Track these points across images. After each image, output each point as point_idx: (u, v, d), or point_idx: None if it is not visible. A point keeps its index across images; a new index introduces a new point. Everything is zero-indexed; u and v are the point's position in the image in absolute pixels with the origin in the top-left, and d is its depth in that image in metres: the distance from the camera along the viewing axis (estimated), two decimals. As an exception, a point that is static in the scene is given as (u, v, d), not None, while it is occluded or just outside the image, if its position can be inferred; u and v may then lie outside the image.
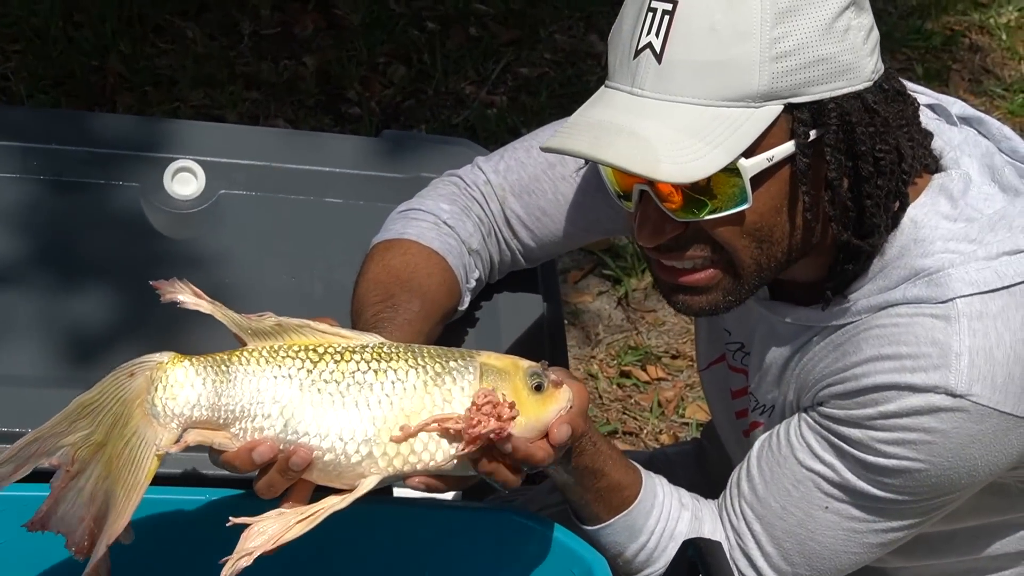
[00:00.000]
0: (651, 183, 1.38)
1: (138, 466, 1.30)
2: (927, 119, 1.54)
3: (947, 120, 1.57)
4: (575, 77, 3.50)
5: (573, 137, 1.40)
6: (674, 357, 2.86)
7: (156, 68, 3.24)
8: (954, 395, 1.40)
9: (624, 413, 2.63)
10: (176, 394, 1.31)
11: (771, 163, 1.37)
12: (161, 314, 1.55)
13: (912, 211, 1.46)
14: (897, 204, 1.45)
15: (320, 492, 1.35)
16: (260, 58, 3.37)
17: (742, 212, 1.39)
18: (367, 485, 1.32)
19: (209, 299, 1.32)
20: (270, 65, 3.36)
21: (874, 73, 1.40)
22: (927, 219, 1.45)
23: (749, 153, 1.36)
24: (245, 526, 1.31)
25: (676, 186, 1.38)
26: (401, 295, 1.59)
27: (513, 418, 1.32)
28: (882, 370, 1.43)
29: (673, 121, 1.35)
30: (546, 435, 1.35)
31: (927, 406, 1.41)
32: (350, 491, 1.33)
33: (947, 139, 1.53)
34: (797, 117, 1.36)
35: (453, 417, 1.32)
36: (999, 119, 3.60)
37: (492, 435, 1.31)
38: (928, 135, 1.50)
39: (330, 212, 1.82)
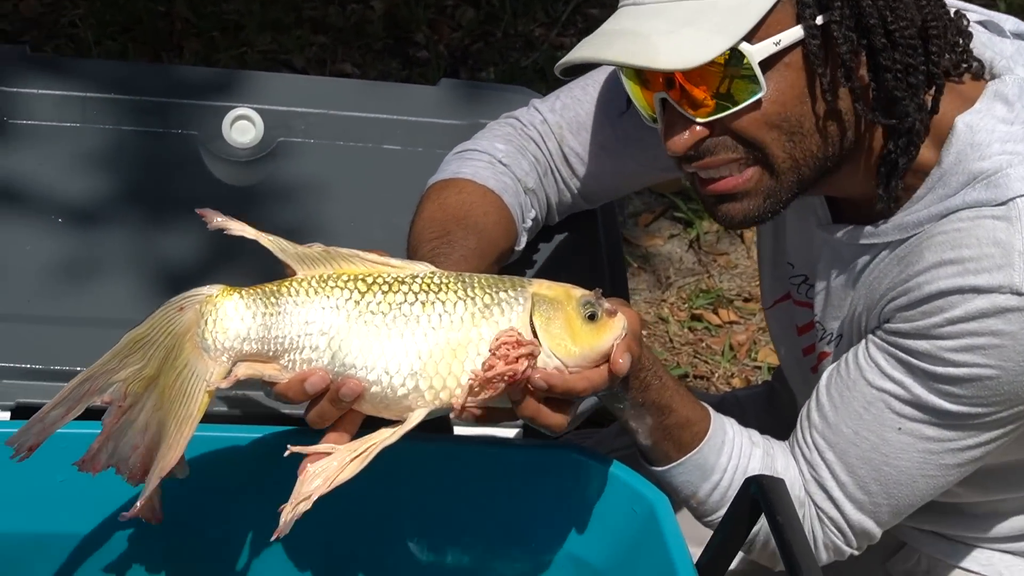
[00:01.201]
0: (669, 89, 1.41)
1: (190, 399, 1.32)
2: (978, 32, 1.54)
3: (999, 34, 1.57)
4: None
5: (580, 48, 1.43)
6: (746, 300, 2.86)
7: (223, 13, 3.26)
8: (1020, 294, 1.40)
9: (695, 357, 2.65)
10: (226, 327, 1.33)
11: (779, 47, 1.39)
12: (218, 257, 1.59)
13: (967, 117, 1.47)
14: (932, 90, 1.45)
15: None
16: (327, 2, 3.38)
17: (759, 101, 1.41)
18: (415, 418, 1.33)
19: (254, 227, 1.34)
20: (337, 9, 3.38)
21: None
22: (983, 123, 1.46)
23: (754, 39, 1.38)
24: (299, 461, 1.31)
25: (681, 86, 1.41)
26: (457, 231, 1.60)
27: (532, 358, 1.31)
28: (945, 275, 1.44)
29: (673, 17, 1.38)
30: (599, 364, 1.35)
31: (993, 307, 1.41)
32: (400, 423, 1.33)
33: (999, 50, 1.54)
34: (801, 0, 1.39)
35: (483, 364, 1.32)
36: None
37: (507, 379, 1.30)
38: (965, 31, 1.50)
39: (388, 159, 1.84)
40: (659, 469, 1.57)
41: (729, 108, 1.41)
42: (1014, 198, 1.42)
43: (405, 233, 1.65)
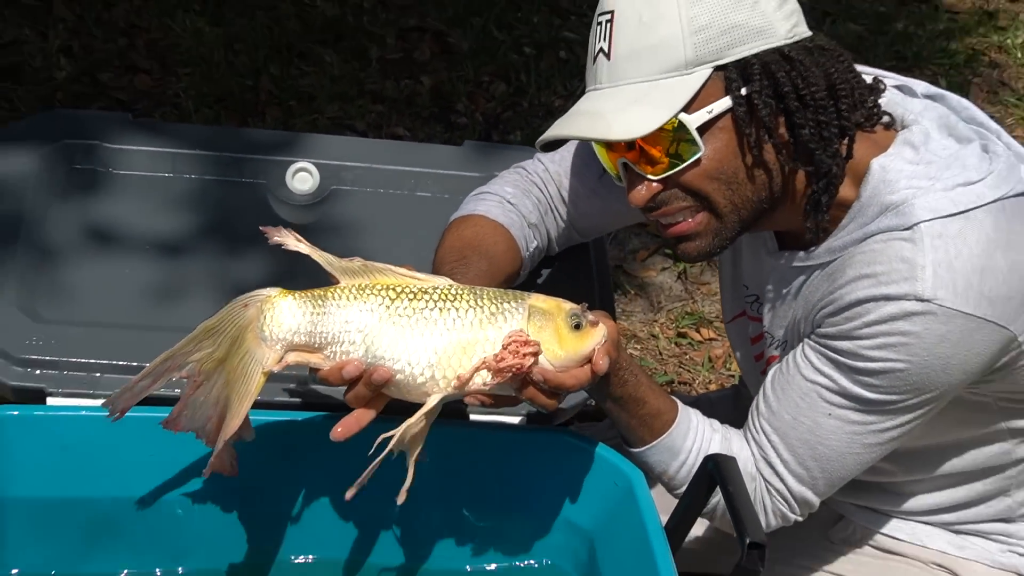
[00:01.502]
0: (628, 152, 1.47)
1: (250, 379, 1.38)
2: (893, 92, 1.58)
3: (911, 95, 1.61)
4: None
5: (554, 128, 1.49)
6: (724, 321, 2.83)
7: (299, 86, 3.30)
8: (922, 300, 1.43)
9: (680, 367, 2.68)
10: (281, 322, 1.38)
11: (712, 115, 1.44)
12: (276, 277, 1.63)
13: (880, 159, 1.51)
14: (845, 143, 1.49)
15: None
16: (385, 78, 3.42)
17: (699, 159, 1.46)
18: (432, 402, 1.36)
19: (308, 243, 1.38)
20: (393, 84, 3.42)
21: (790, 34, 1.46)
22: (893, 164, 1.50)
23: (691, 110, 1.43)
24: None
25: (638, 150, 1.46)
26: (472, 256, 1.63)
27: (535, 355, 1.35)
28: (862, 287, 1.47)
29: (623, 98, 1.44)
30: (583, 365, 1.39)
31: (901, 312, 1.44)
32: (420, 407, 1.36)
33: (909, 107, 1.57)
34: (728, 76, 1.44)
35: (491, 356, 1.35)
36: (1013, 124, 3.63)
37: (514, 370, 1.35)
38: (871, 87, 1.53)
39: (420, 204, 1.88)
40: (636, 451, 1.60)
41: (676, 166, 1.46)
42: (918, 223, 1.45)
43: (431, 260, 1.68)
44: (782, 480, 1.59)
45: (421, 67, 3.53)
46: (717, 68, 1.44)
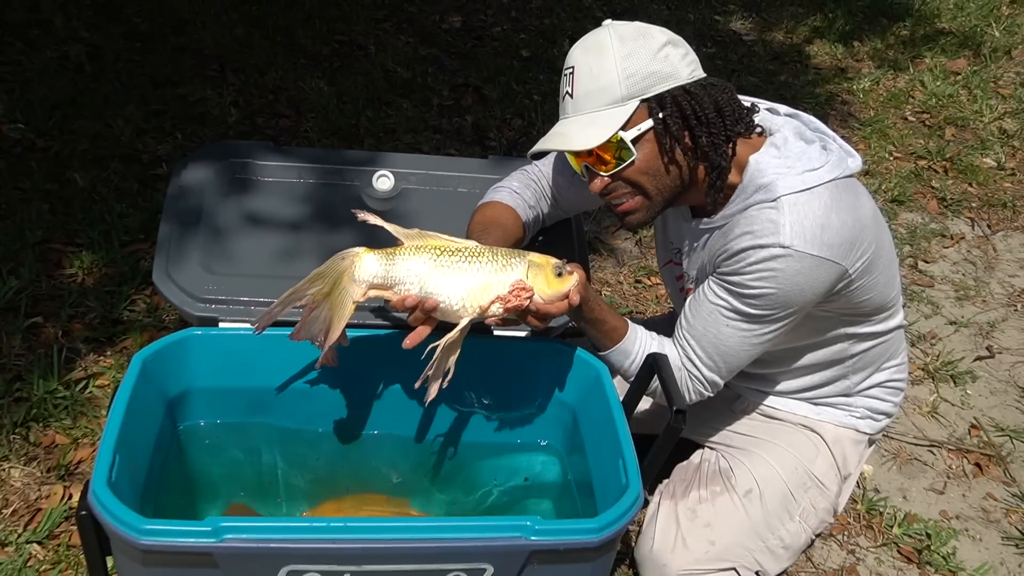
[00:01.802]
0: (587, 158, 1.46)
1: (345, 306, 1.39)
2: (763, 112, 1.57)
3: (775, 113, 1.61)
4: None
5: (539, 144, 1.50)
6: (659, 266, 2.80)
7: (386, 124, 3.26)
8: (783, 247, 1.44)
9: (637, 302, 2.64)
10: (365, 268, 1.38)
11: (640, 132, 1.45)
12: (364, 242, 1.64)
13: (755, 156, 1.50)
14: (730, 147, 1.49)
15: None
16: (441, 117, 3.39)
17: (634, 161, 1.46)
18: (463, 323, 1.38)
19: (383, 220, 1.39)
20: (447, 121, 3.38)
21: (691, 76, 1.47)
22: (763, 159, 1.50)
23: (626, 129, 1.44)
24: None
25: (594, 156, 1.45)
26: (491, 227, 1.64)
27: (530, 297, 1.36)
28: (745, 240, 1.48)
29: (581, 123, 1.45)
30: (563, 299, 1.41)
31: (770, 255, 1.45)
32: (455, 326, 1.38)
33: (774, 122, 1.57)
34: (649, 105, 1.45)
35: (502, 294, 1.36)
36: (857, 141, 3.60)
37: (517, 304, 1.36)
38: (749, 109, 1.53)
39: (460, 197, 1.87)
40: (602, 353, 1.61)
41: (619, 166, 1.46)
42: (780, 196, 1.46)
43: (465, 230, 1.69)
44: (698, 370, 1.59)
45: (466, 110, 3.48)
46: (642, 100, 1.45)
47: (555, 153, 1.75)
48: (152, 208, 2.65)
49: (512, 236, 1.67)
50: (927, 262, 3.00)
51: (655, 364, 1.52)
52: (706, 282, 1.57)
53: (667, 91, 1.45)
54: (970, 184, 3.44)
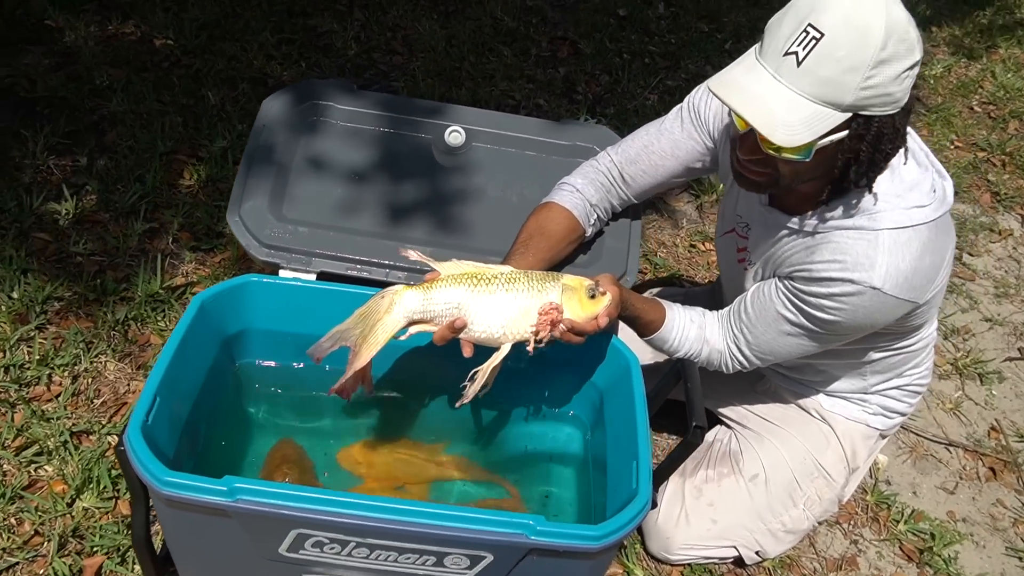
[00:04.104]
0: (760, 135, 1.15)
1: (376, 335, 1.19)
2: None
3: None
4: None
5: (731, 93, 1.10)
6: (716, 236, 2.51)
7: (486, 69, 2.96)
8: (874, 288, 1.21)
9: (689, 266, 2.34)
10: (405, 304, 1.19)
11: (830, 142, 1.12)
12: (436, 207, 1.44)
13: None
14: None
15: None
16: (537, 67, 3.07)
17: (800, 162, 1.13)
18: (504, 349, 1.20)
19: (421, 254, 1.20)
20: (542, 71, 3.06)
21: (908, 102, 1.14)
22: (880, 184, 1.22)
23: (823, 136, 1.11)
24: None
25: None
26: (536, 238, 1.41)
27: (559, 319, 1.17)
28: (834, 269, 1.23)
29: (792, 105, 1.08)
30: (595, 319, 1.20)
31: (857, 292, 1.22)
32: (497, 351, 1.20)
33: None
34: (857, 122, 1.11)
35: (534, 323, 1.18)
36: (922, 127, 3.10)
37: (550, 321, 1.17)
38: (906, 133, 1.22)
39: (526, 160, 1.61)
40: (644, 339, 1.42)
41: (782, 155, 1.14)
42: (881, 230, 1.20)
43: (528, 200, 1.48)
44: (744, 357, 1.40)
45: (560, 62, 3.14)
46: (856, 114, 1.10)
47: (639, 143, 1.47)
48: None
49: (563, 240, 1.43)
50: (972, 255, 2.57)
51: (683, 371, 1.28)
52: (777, 285, 1.33)
53: (881, 116, 1.12)
54: (1026, 180, 2.93)
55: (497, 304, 1.18)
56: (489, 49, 3.09)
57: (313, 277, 1.39)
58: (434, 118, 1.61)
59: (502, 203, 1.54)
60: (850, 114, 1.09)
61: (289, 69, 2.74)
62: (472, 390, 1.19)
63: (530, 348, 1.19)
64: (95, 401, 1.70)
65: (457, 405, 1.18)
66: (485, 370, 1.18)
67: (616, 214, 1.54)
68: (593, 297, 1.20)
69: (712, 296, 1.83)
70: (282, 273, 1.39)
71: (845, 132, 1.11)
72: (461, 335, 1.17)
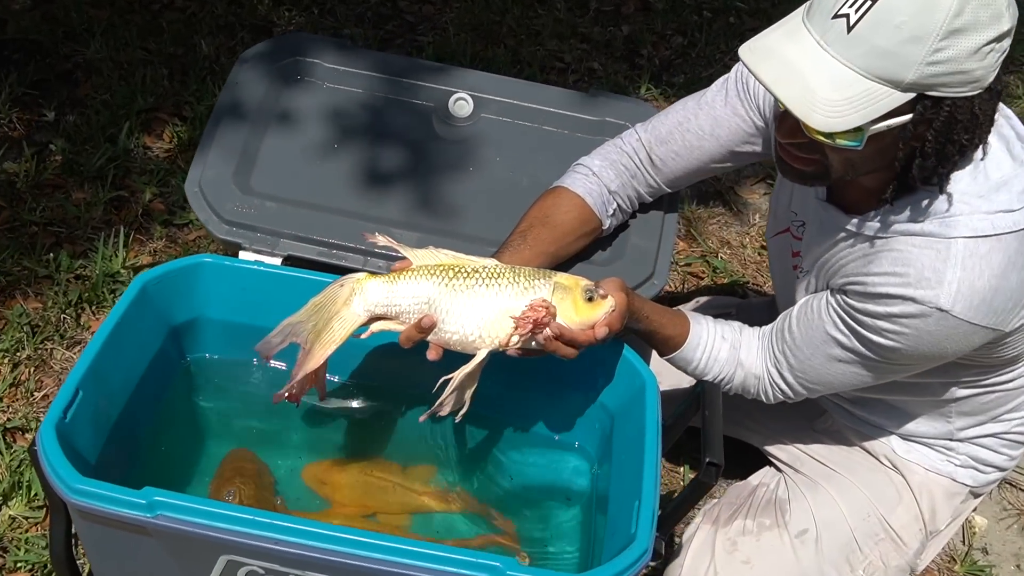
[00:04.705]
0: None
1: (333, 332, 1.21)
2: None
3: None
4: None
5: (764, 63, 1.07)
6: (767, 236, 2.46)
7: (532, 25, 2.93)
8: (941, 310, 1.15)
9: (756, 272, 2.30)
10: (367, 296, 1.19)
11: (887, 127, 1.07)
12: (431, 186, 1.47)
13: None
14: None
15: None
16: (594, 24, 3.05)
17: (851, 149, 1.09)
18: (481, 354, 1.19)
19: (391, 240, 1.21)
20: (600, 29, 3.03)
21: (994, 82, 1.08)
22: (955, 173, 1.16)
23: (877, 121, 1.06)
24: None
25: None
26: (536, 228, 1.38)
27: (548, 321, 1.16)
28: (893, 283, 1.18)
29: (838, 80, 1.03)
30: (592, 328, 1.18)
31: (920, 313, 1.17)
32: (472, 358, 1.19)
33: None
34: (922, 104, 1.06)
35: (515, 316, 1.17)
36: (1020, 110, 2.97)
37: (532, 321, 1.15)
38: (992, 123, 1.14)
39: (543, 136, 1.60)
40: (663, 358, 1.40)
41: (830, 142, 1.10)
42: (956, 238, 1.14)
43: (540, 182, 1.48)
44: (787, 385, 1.37)
45: (624, 18, 3.11)
46: (920, 95, 1.05)
47: (672, 120, 1.45)
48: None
49: (566, 238, 1.41)
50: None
51: (703, 392, 1.29)
52: (828, 300, 1.29)
53: (954, 98, 1.07)
54: None
55: (474, 302, 1.16)
56: (539, 0, 3.08)
57: (278, 261, 1.42)
58: (438, 82, 1.61)
59: (509, 186, 1.54)
60: (913, 94, 1.04)
61: (300, 16, 2.80)
62: (447, 405, 1.19)
63: (511, 352, 1.17)
64: (35, 394, 1.76)
65: (421, 419, 1.18)
66: (456, 379, 1.17)
67: (645, 205, 1.51)
68: (591, 300, 1.17)
69: (771, 310, 1.79)
70: (243, 255, 1.42)
71: (908, 116, 1.06)
72: (430, 336, 1.17)
